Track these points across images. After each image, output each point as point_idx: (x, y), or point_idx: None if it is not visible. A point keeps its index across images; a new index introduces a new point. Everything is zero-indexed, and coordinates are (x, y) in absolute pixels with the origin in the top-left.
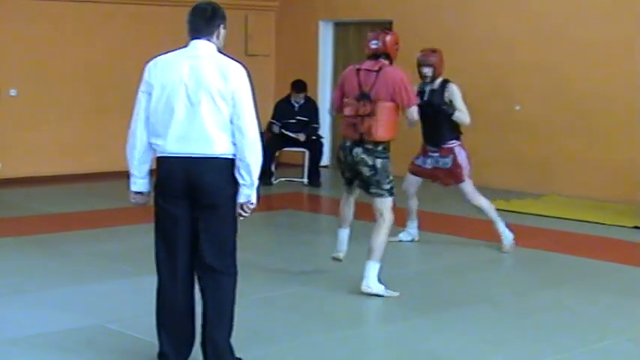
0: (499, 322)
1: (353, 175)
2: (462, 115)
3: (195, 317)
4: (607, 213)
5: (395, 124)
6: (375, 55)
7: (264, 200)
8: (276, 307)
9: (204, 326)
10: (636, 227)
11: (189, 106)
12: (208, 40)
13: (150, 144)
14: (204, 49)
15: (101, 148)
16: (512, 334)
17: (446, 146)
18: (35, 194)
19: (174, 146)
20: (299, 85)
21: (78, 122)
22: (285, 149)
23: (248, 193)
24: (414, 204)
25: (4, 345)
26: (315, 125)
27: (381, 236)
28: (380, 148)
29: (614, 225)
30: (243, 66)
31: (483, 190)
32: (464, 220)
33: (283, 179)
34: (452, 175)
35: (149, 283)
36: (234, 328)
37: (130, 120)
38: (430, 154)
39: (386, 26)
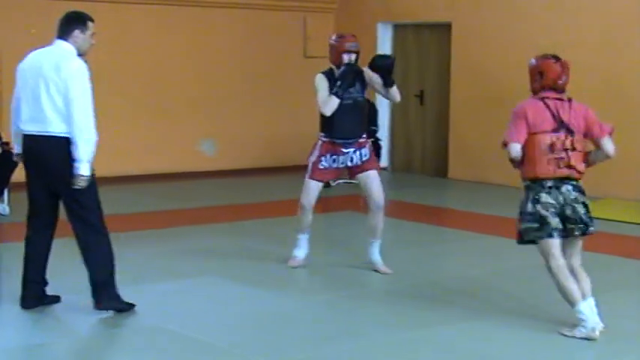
0: (552, 328)
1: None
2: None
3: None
4: None
5: None
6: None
7: (322, 202)
8: (330, 309)
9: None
10: None
11: (34, 94)
12: (65, 40)
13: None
14: (57, 47)
15: (158, 150)
16: (567, 340)
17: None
18: None
19: (26, 126)
20: None
21: (135, 123)
22: None
23: (78, 166)
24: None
25: (68, 343)
26: (374, 127)
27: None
28: None
29: None
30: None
31: None
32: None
33: (341, 181)
34: (368, 164)
35: (209, 283)
36: None
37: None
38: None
39: (444, 28)
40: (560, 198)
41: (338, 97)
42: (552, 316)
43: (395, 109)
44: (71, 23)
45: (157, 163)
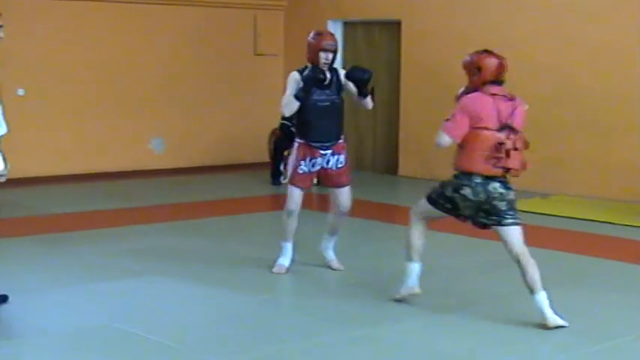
0: (506, 322)
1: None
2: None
3: None
4: (615, 212)
5: None
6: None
7: (273, 199)
8: (282, 307)
9: None
10: None
11: None
12: None
13: None
14: None
15: (108, 148)
16: (521, 333)
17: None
18: (42, 194)
19: None
20: None
21: (84, 121)
22: None
23: None
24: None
25: (12, 345)
26: None
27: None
28: None
29: (623, 224)
30: None
31: None
32: None
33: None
34: (344, 176)
35: (159, 282)
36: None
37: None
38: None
39: (394, 26)
40: (483, 195)
41: (298, 99)
42: (503, 311)
43: (346, 106)
44: None
45: (106, 161)
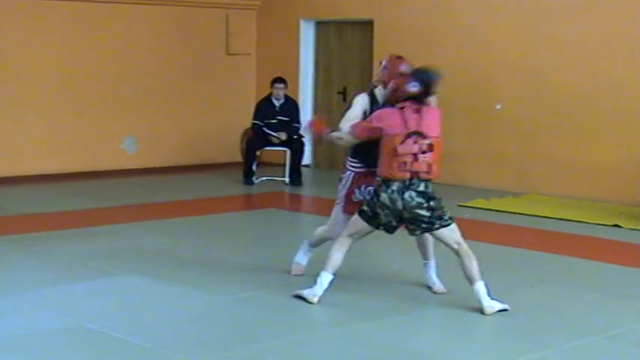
0: (480, 321)
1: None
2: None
3: None
4: (587, 211)
5: None
6: None
7: (246, 199)
8: (254, 307)
9: None
10: (616, 225)
11: None
12: None
13: None
14: None
15: (79, 148)
16: (493, 332)
17: None
18: (14, 194)
19: None
20: (278, 78)
21: (56, 121)
22: (267, 148)
23: None
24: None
25: None
26: (296, 125)
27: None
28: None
29: (594, 223)
30: None
31: (463, 189)
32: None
33: (264, 178)
34: None
35: (131, 282)
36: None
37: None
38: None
39: (366, 25)
40: (399, 203)
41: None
42: (476, 309)
43: (318, 106)
44: None
45: (79, 161)
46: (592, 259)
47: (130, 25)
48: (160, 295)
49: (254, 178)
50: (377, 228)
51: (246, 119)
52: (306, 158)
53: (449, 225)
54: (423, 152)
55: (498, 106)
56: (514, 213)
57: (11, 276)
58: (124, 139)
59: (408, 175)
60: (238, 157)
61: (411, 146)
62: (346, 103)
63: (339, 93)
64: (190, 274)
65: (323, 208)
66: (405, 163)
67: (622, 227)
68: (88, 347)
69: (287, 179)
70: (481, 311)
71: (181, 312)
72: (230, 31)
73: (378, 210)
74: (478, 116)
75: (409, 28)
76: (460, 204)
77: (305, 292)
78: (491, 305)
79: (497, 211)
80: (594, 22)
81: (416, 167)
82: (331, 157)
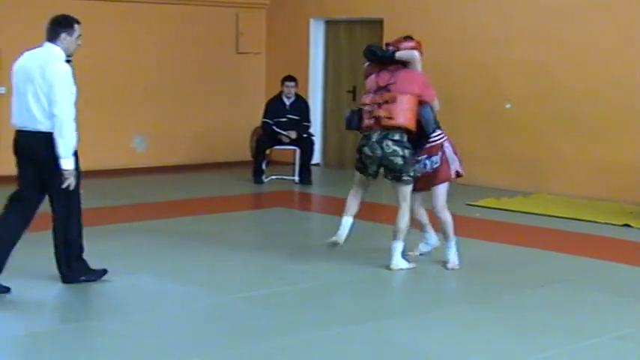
0: (487, 321)
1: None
2: None
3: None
4: (597, 211)
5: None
6: None
7: (255, 198)
8: (264, 305)
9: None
10: (626, 225)
11: (23, 93)
12: (53, 43)
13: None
14: (45, 49)
15: (89, 146)
16: (502, 332)
17: (433, 142)
18: None
19: (16, 122)
20: (289, 76)
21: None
22: (276, 147)
23: (60, 162)
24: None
25: None
26: (307, 123)
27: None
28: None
29: (604, 223)
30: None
31: (472, 188)
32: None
33: (274, 177)
34: (438, 175)
35: (139, 281)
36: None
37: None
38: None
39: (376, 24)
40: (379, 152)
41: None
42: (486, 310)
43: (327, 105)
44: (58, 26)
45: (89, 159)
46: (602, 258)
47: (139, 24)
48: (168, 293)
49: (263, 177)
50: (367, 177)
51: (255, 118)
52: (316, 157)
53: (408, 183)
54: (386, 102)
55: (508, 105)
56: (524, 212)
57: (23, 273)
58: (134, 138)
59: (372, 122)
60: (248, 156)
61: (375, 98)
62: (356, 102)
63: (348, 92)
64: (199, 272)
65: (332, 207)
66: (370, 111)
67: (632, 227)
68: (95, 345)
69: (297, 178)
70: (387, 266)
71: (190, 310)
72: (240, 30)
73: (366, 162)
74: (488, 115)
75: (419, 27)
76: (469, 203)
77: (332, 238)
78: (398, 263)
79: (507, 210)
80: (605, 22)
81: (377, 113)
82: (341, 156)
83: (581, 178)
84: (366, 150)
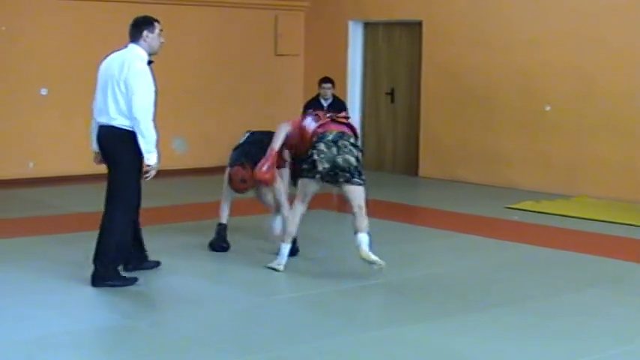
0: (525, 325)
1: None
2: None
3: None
4: (637, 214)
5: None
6: None
7: (291, 200)
8: (300, 308)
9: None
10: None
11: (103, 90)
12: (136, 43)
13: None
14: (128, 50)
15: None
16: (539, 336)
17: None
18: (67, 193)
19: (98, 117)
20: (325, 78)
21: None
22: None
23: (146, 157)
24: None
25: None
26: None
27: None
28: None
29: None
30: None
31: (510, 191)
32: (489, 221)
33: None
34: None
35: (177, 281)
36: None
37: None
38: None
39: (415, 27)
40: (334, 149)
41: None
42: (521, 312)
43: (366, 107)
44: (140, 26)
45: None
46: None
47: (179, 27)
48: (205, 294)
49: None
50: (315, 177)
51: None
52: None
53: (362, 185)
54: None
55: (548, 108)
56: (563, 216)
57: (62, 273)
58: (174, 140)
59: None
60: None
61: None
62: (394, 104)
63: (386, 94)
64: (236, 274)
65: (371, 209)
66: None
67: None
68: (136, 345)
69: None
70: (359, 256)
71: (226, 311)
72: (279, 32)
73: (315, 157)
74: (527, 118)
75: (458, 29)
76: (507, 206)
77: (273, 264)
78: (368, 254)
79: (547, 213)
80: None
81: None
82: (379, 157)
83: (622, 182)
84: (321, 145)
